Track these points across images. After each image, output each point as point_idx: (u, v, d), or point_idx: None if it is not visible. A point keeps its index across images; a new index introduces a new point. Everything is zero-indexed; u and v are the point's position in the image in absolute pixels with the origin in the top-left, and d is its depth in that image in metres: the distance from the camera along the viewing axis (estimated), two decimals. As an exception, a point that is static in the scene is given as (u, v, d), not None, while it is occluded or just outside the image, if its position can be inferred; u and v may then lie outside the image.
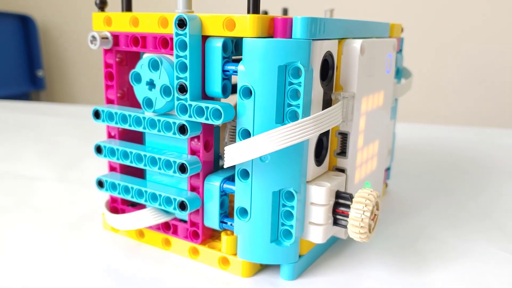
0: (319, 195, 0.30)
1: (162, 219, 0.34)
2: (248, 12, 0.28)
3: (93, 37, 0.33)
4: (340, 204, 0.31)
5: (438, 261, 0.34)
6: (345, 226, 0.31)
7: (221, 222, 0.32)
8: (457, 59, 1.15)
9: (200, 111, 0.29)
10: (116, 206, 0.37)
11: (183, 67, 0.29)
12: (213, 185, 0.31)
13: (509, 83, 1.12)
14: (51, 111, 0.93)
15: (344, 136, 0.33)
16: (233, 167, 0.32)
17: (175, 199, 0.31)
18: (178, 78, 0.29)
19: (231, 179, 0.32)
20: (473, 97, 1.16)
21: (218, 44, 0.29)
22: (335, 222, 0.31)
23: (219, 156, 0.33)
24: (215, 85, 0.29)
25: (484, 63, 1.13)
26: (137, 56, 0.35)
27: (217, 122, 0.28)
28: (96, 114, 0.34)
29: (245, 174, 0.30)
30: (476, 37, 1.12)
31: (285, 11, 0.53)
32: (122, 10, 0.33)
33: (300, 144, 0.29)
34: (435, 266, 0.33)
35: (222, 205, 0.32)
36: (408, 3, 1.15)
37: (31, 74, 1.55)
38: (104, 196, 0.42)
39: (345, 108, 0.31)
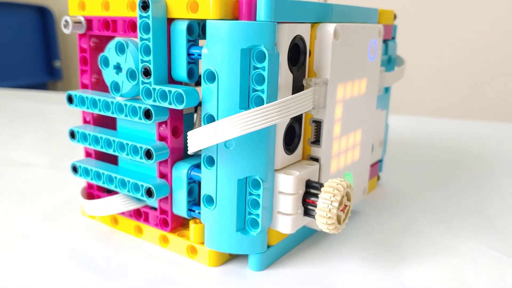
0: (287, 184, 0.29)
1: (132, 206, 0.33)
2: (211, -7, 0.27)
3: (66, 21, 0.32)
4: (310, 193, 0.30)
5: (416, 256, 0.33)
6: (314, 217, 0.30)
7: (189, 210, 0.31)
8: (461, 52, 1.12)
9: (163, 95, 0.28)
10: (92, 192, 0.37)
11: (147, 50, 0.28)
12: (181, 172, 0.31)
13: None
14: (63, 100, 0.94)
15: (318, 124, 0.31)
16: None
17: (142, 186, 0.31)
18: (142, 61, 0.29)
19: (199, 166, 0.31)
20: (476, 91, 1.12)
21: (182, 26, 0.28)
22: (306, 212, 0.30)
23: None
24: (180, 69, 0.29)
25: (491, 57, 1.09)
26: (113, 41, 0.35)
27: (180, 107, 0.28)
28: (70, 99, 0.34)
29: (210, 161, 0.29)
30: (485, 31, 1.08)
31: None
32: (95, -6, 0.33)
33: (265, 130, 0.28)
34: (412, 261, 0.32)
35: (190, 192, 0.31)
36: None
37: (48, 65, 1.58)
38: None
39: (316, 95, 0.30)
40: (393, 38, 0.44)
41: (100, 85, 0.35)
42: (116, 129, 0.34)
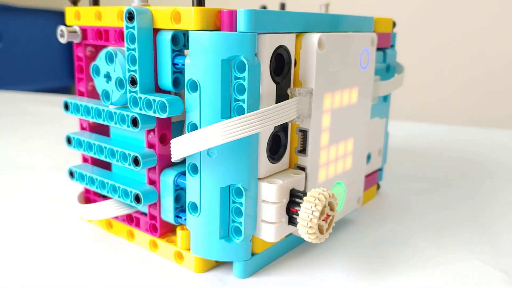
0: (270, 193, 0.29)
1: (124, 211, 0.34)
2: (193, 5, 0.27)
3: (62, 30, 0.34)
4: (294, 202, 0.30)
5: (402, 267, 0.33)
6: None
7: (176, 216, 0.32)
8: (465, 58, 1.10)
9: (149, 104, 0.29)
10: (89, 197, 0.38)
11: (133, 60, 0.29)
12: (168, 179, 0.31)
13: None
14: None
15: (304, 133, 0.32)
16: (189, 161, 0.31)
17: (131, 192, 0.32)
18: (129, 70, 0.29)
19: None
20: (479, 97, 1.10)
21: (167, 37, 0.29)
22: (290, 221, 0.31)
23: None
24: (166, 78, 0.29)
25: (496, 63, 1.07)
26: (109, 50, 0.36)
27: (163, 115, 0.28)
28: (66, 106, 0.35)
29: (194, 169, 0.29)
30: (486, 35, 1.06)
31: (282, 6, 0.52)
32: (90, 4, 0.34)
33: (247, 139, 0.28)
34: (397, 272, 0.32)
35: (177, 199, 0.32)
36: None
37: (71, 69, 1.62)
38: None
39: (301, 105, 0.30)
40: (392, 46, 0.43)
41: (95, 93, 0.36)
42: (109, 135, 0.35)
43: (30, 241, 0.35)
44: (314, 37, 0.30)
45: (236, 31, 0.27)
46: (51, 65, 1.56)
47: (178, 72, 0.29)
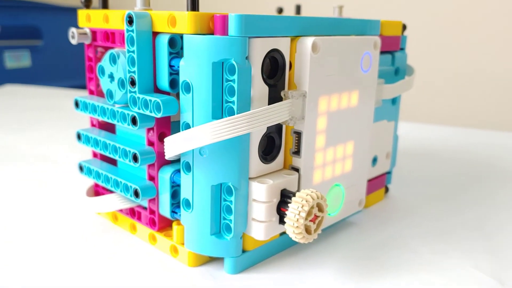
0: (260, 192, 0.30)
1: (126, 205, 0.35)
2: (187, 10, 0.29)
3: (72, 32, 0.35)
4: (285, 202, 0.31)
5: (394, 271, 0.33)
6: (287, 226, 0.30)
7: (173, 212, 0.33)
8: (476, 60, 1.06)
9: (146, 104, 0.30)
10: (98, 190, 0.40)
11: (133, 62, 0.30)
12: (165, 175, 0.32)
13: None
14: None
15: (298, 135, 0.32)
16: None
17: (131, 187, 0.33)
18: (129, 72, 0.31)
19: (183, 171, 0.33)
20: (497, 98, 1.06)
21: (164, 40, 0.30)
22: (281, 221, 0.31)
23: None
24: (163, 80, 0.31)
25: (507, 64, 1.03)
26: (118, 51, 0.38)
27: (159, 115, 0.30)
28: (76, 104, 0.37)
29: (187, 167, 0.31)
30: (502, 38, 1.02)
31: (298, 8, 0.53)
32: (99, 7, 0.36)
33: (236, 140, 0.29)
34: (388, 276, 0.32)
35: (174, 195, 0.33)
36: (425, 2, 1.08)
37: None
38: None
39: (293, 107, 0.30)
40: (402, 49, 0.43)
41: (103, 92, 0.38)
42: (115, 133, 0.37)
43: (43, 229, 0.37)
44: (308, 41, 0.30)
45: (228, 35, 0.28)
46: (78, 64, 1.61)
47: (174, 73, 0.31)
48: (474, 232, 0.39)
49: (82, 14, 0.36)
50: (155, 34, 0.31)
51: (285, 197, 0.31)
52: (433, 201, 0.46)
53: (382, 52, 0.41)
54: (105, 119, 0.34)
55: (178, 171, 0.33)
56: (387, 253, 0.35)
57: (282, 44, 0.30)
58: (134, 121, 0.31)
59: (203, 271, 0.32)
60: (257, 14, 0.28)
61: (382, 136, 0.43)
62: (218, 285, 0.30)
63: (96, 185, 0.40)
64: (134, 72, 0.30)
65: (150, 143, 0.33)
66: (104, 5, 0.36)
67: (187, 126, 0.30)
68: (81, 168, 0.38)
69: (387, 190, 0.47)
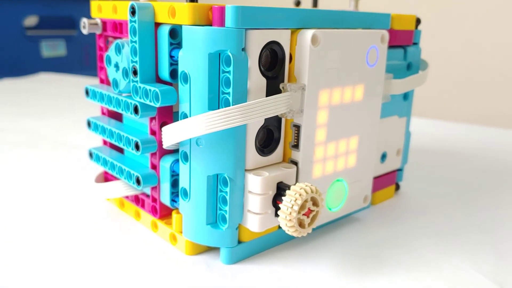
0: (255, 184, 0.30)
1: (130, 192, 0.36)
2: (186, 0, 0.29)
3: (84, 22, 0.36)
4: (280, 195, 0.31)
5: (390, 269, 0.32)
6: (282, 218, 0.30)
7: (172, 200, 0.34)
8: (497, 54, 1.01)
9: (146, 93, 0.31)
10: (108, 177, 0.41)
11: (135, 52, 0.31)
12: (166, 164, 0.33)
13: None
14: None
15: (298, 128, 0.32)
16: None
17: (133, 174, 0.34)
18: (132, 61, 0.31)
19: (183, 160, 0.33)
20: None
21: (165, 31, 0.30)
22: (277, 214, 0.31)
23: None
24: (164, 70, 0.31)
25: None
26: (128, 41, 0.38)
27: (157, 104, 0.30)
28: (87, 92, 0.38)
29: (185, 156, 0.31)
30: None
31: (315, 1, 0.52)
32: (110, -2, 0.37)
33: (232, 131, 0.29)
34: (383, 274, 0.31)
35: (174, 184, 0.33)
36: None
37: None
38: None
39: (292, 100, 0.30)
40: (415, 43, 0.42)
41: (114, 81, 0.39)
42: (122, 121, 0.38)
43: (52, 212, 0.39)
44: (308, 33, 0.30)
45: (225, 26, 0.28)
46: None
47: (175, 64, 0.31)
48: (484, 235, 0.38)
49: (94, 4, 0.37)
50: (158, 24, 0.31)
51: (280, 190, 0.31)
52: (445, 201, 0.45)
53: (393, 47, 0.40)
54: (111, 108, 0.35)
55: (178, 160, 0.33)
56: (386, 251, 0.35)
57: (282, 37, 0.30)
58: (136, 110, 0.32)
59: (199, 260, 0.32)
60: (255, 6, 0.28)
61: (392, 132, 0.43)
62: (212, 274, 0.31)
63: (106, 172, 0.41)
64: (136, 62, 0.31)
65: (153, 132, 0.34)
66: (114, -4, 0.36)
67: (185, 116, 0.30)
68: (91, 155, 0.39)
69: (398, 187, 0.46)
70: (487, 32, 1.03)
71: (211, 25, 0.29)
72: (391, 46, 0.40)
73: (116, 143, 0.35)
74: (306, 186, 0.29)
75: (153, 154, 0.34)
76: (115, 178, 0.40)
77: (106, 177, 0.41)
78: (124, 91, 0.34)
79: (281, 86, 0.31)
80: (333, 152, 0.34)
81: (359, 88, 0.35)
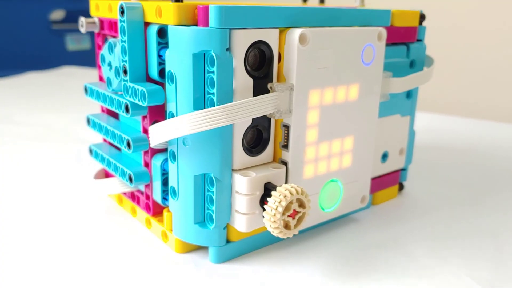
0: (242, 185, 0.30)
1: (126, 188, 0.37)
2: (172, 0, 0.29)
3: (81, 21, 0.37)
4: (268, 196, 0.31)
5: (381, 273, 0.31)
6: (268, 219, 0.30)
7: (164, 198, 0.34)
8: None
9: (135, 92, 0.31)
10: (108, 173, 0.42)
11: (124, 51, 0.31)
12: (157, 162, 0.33)
13: None
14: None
15: (288, 129, 0.32)
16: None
17: (126, 172, 0.34)
18: (122, 61, 0.32)
19: (174, 159, 0.33)
20: None
21: (154, 30, 0.30)
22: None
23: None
24: (153, 69, 0.31)
25: None
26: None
27: (145, 104, 0.30)
28: (85, 90, 0.38)
29: (173, 156, 0.31)
30: None
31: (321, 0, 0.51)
32: (107, -3, 0.37)
33: (217, 131, 0.29)
34: (376, 277, 0.31)
35: (165, 182, 0.34)
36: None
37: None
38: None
39: (279, 100, 0.30)
40: (419, 40, 0.41)
41: (113, 79, 0.39)
42: (118, 119, 0.38)
43: (54, 205, 0.40)
44: (296, 33, 0.30)
45: (209, 26, 0.28)
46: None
47: (163, 63, 0.31)
48: (486, 241, 0.36)
49: (93, 3, 0.38)
50: (148, 24, 0.31)
51: (268, 191, 0.31)
52: (450, 202, 0.43)
53: (395, 44, 0.39)
54: (107, 106, 0.35)
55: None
56: (379, 254, 0.34)
57: (270, 36, 0.30)
58: (127, 108, 0.32)
59: (188, 258, 0.33)
60: (240, 5, 0.28)
61: (394, 132, 0.42)
62: (199, 273, 0.31)
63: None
64: (126, 61, 0.31)
65: (145, 131, 0.34)
66: (110, -6, 0.37)
67: (172, 116, 0.30)
68: (90, 151, 0.40)
69: (402, 187, 0.45)
70: (497, 24, 0.99)
71: (197, 25, 0.29)
72: (392, 44, 0.39)
73: (111, 141, 0.36)
74: (292, 187, 0.29)
75: (146, 152, 0.34)
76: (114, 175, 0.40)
77: (106, 173, 0.42)
78: (117, 90, 0.34)
79: (269, 86, 0.30)
80: (326, 152, 0.34)
81: (354, 87, 0.34)
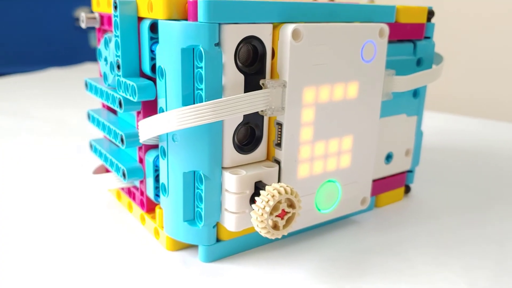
0: (231, 183, 0.29)
1: (122, 184, 0.37)
2: (163, -5, 0.28)
3: (82, 16, 0.37)
4: (258, 195, 0.30)
5: (379, 278, 0.30)
6: (258, 219, 0.29)
7: (156, 195, 0.34)
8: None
9: (127, 88, 0.31)
10: (107, 168, 0.42)
11: (118, 46, 0.31)
12: (150, 158, 0.33)
13: None
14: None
15: (281, 127, 0.31)
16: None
17: (120, 167, 0.34)
18: (116, 56, 0.32)
19: (167, 155, 0.33)
20: None
21: (146, 25, 0.30)
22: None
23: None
24: (145, 64, 0.31)
25: None
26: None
27: (135, 99, 0.30)
28: (86, 85, 0.38)
29: (164, 152, 0.31)
30: None
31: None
32: (107, -8, 0.37)
33: (206, 128, 0.28)
34: (369, 281, 0.30)
35: (157, 179, 0.33)
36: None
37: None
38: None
39: (271, 97, 0.29)
40: (428, 37, 0.39)
41: (113, 74, 0.39)
42: (117, 114, 0.38)
43: (55, 200, 0.40)
44: (289, 28, 0.29)
45: (198, 21, 0.27)
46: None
47: (155, 58, 0.31)
48: (490, 249, 0.35)
49: (93, -2, 0.38)
50: (141, 19, 0.31)
51: (258, 190, 0.30)
52: (456, 207, 0.42)
53: (401, 41, 0.38)
54: (104, 101, 0.35)
55: (161, 155, 0.33)
56: (375, 258, 0.33)
57: (262, 31, 0.29)
58: (120, 104, 0.32)
59: (177, 256, 0.32)
60: (232, 0, 0.27)
61: (399, 132, 0.40)
62: (187, 271, 0.31)
63: (107, 163, 0.42)
64: (119, 56, 0.31)
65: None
66: (110, -11, 0.37)
67: (162, 111, 0.30)
68: (91, 146, 0.40)
69: (408, 190, 0.44)
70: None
71: (186, 20, 0.28)
72: (397, 41, 0.37)
73: (108, 136, 0.35)
74: (281, 187, 0.28)
75: (140, 148, 0.34)
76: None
77: (107, 168, 0.42)
78: (112, 85, 0.34)
79: (261, 82, 0.30)
80: (322, 151, 0.33)
81: (353, 85, 0.33)
